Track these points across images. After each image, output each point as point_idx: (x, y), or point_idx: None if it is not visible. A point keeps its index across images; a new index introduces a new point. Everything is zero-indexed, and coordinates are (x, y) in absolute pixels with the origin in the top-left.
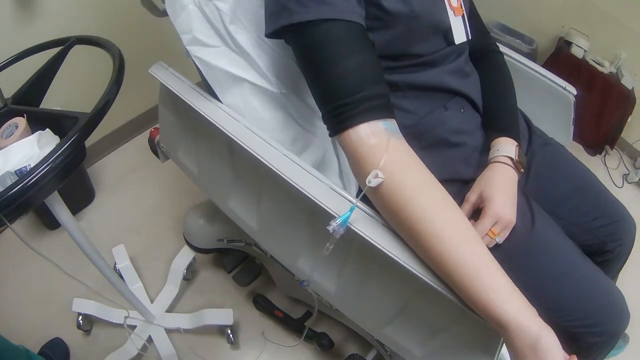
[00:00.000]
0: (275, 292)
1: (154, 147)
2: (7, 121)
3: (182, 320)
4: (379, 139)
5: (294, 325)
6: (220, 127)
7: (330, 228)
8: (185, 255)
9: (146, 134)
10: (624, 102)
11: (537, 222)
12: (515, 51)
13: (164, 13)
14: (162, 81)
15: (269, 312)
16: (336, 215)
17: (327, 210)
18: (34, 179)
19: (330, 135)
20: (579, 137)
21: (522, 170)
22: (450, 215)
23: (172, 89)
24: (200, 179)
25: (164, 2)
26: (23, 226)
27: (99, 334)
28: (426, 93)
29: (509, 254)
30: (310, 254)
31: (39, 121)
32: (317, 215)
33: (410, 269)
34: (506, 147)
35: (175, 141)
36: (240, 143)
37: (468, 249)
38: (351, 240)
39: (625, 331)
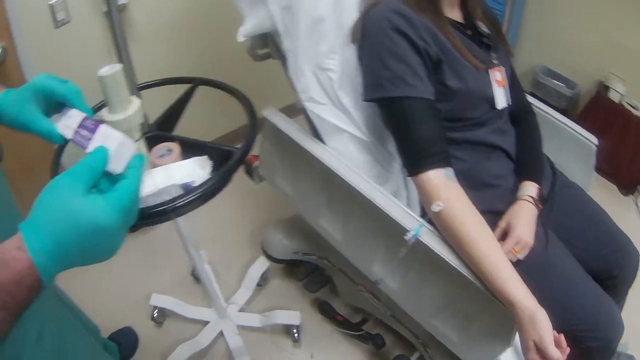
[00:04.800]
0: (337, 301)
1: (250, 171)
2: (153, 144)
3: (253, 319)
4: (440, 181)
5: (351, 328)
6: (326, 164)
7: (406, 237)
8: (261, 264)
9: None
10: None
11: (550, 246)
12: (557, 95)
13: (261, 58)
14: (275, 123)
15: (331, 317)
16: (409, 230)
17: (402, 226)
18: (201, 192)
19: (407, 176)
20: (613, 177)
21: (540, 206)
22: (485, 236)
23: (284, 131)
24: (295, 201)
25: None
26: None
27: (170, 326)
28: (475, 147)
29: (527, 268)
30: (383, 260)
31: (186, 148)
32: (392, 231)
33: (458, 268)
34: (529, 189)
35: (274, 168)
36: (341, 176)
37: (495, 256)
38: (416, 248)
39: (631, 352)
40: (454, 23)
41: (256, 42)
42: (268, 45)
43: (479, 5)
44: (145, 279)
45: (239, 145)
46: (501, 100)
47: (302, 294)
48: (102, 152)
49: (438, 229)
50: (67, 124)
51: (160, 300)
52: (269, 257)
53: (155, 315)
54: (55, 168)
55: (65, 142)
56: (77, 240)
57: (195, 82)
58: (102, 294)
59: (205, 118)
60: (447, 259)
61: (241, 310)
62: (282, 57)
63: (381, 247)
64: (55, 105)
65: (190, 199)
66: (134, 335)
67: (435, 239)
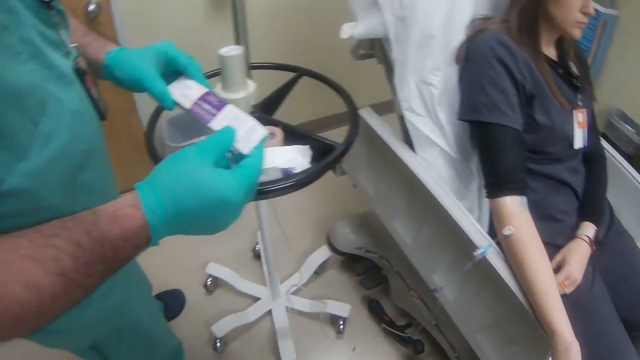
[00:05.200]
0: (386, 302)
1: None
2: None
3: (303, 304)
4: (515, 208)
5: (396, 329)
6: (416, 173)
7: (475, 253)
8: (323, 253)
9: None
10: None
11: (595, 288)
12: (627, 140)
13: (361, 57)
14: (370, 124)
15: (379, 316)
16: (479, 247)
17: (473, 242)
18: (301, 180)
19: (487, 197)
20: None
21: (594, 248)
22: (544, 265)
23: (379, 134)
24: (374, 200)
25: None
26: None
27: (220, 297)
28: (548, 180)
29: (572, 302)
30: (446, 270)
31: (287, 134)
32: (462, 245)
33: (514, 291)
34: (588, 230)
35: (359, 166)
36: (428, 187)
37: (548, 286)
38: (480, 265)
39: None
40: (548, 60)
41: (363, 43)
42: (374, 48)
43: (572, 45)
44: (206, 247)
45: (325, 135)
46: (579, 140)
47: (354, 288)
48: (231, 132)
49: (503, 251)
50: (185, 93)
51: (217, 269)
52: (333, 247)
53: (209, 283)
54: (151, 132)
55: (172, 108)
56: (197, 208)
57: (300, 72)
58: (160, 254)
59: (294, 102)
60: (506, 280)
61: (294, 293)
62: (386, 63)
63: (447, 258)
64: (170, 73)
65: (290, 183)
66: (182, 298)
67: (500, 260)
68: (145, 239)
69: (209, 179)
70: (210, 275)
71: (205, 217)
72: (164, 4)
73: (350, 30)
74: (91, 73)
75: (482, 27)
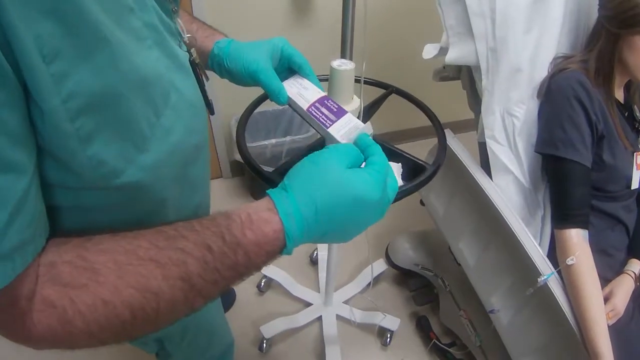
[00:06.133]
0: (434, 319)
1: None
2: None
3: (354, 313)
4: (579, 240)
5: (439, 347)
6: (492, 198)
7: (539, 279)
8: (379, 266)
9: None
10: None
11: (632, 322)
12: None
13: (441, 79)
14: (450, 147)
15: (425, 332)
16: (542, 274)
17: (537, 269)
18: (396, 198)
19: (554, 227)
20: None
21: (638, 284)
22: (597, 295)
23: (460, 157)
24: (442, 220)
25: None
26: (232, 189)
27: (271, 298)
28: (605, 217)
29: (613, 333)
30: (504, 293)
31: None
32: (525, 270)
33: (569, 319)
34: (635, 266)
35: (432, 185)
36: (502, 212)
37: (598, 314)
38: (538, 292)
39: None
40: (617, 102)
41: (450, 67)
42: (460, 73)
43: (638, 89)
44: None
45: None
46: (637, 181)
47: (404, 303)
48: (371, 145)
49: (562, 279)
50: (301, 93)
51: (273, 271)
52: (390, 261)
53: (262, 283)
54: (242, 130)
55: (285, 103)
56: (335, 208)
57: (390, 89)
58: None
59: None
60: (562, 307)
61: (345, 302)
62: (472, 89)
63: (507, 282)
64: (281, 70)
65: None
66: (233, 294)
67: (559, 287)
68: (279, 246)
69: (346, 177)
70: (265, 276)
71: (345, 218)
72: (245, 2)
73: (432, 52)
74: (201, 64)
75: (563, 66)
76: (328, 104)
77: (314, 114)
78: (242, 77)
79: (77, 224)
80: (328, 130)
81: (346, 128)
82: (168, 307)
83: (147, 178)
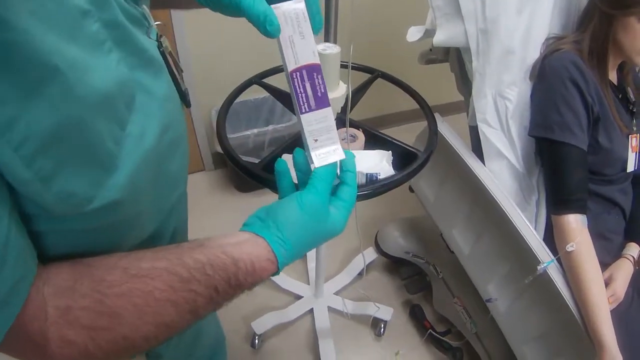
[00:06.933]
0: (427, 307)
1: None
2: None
3: (346, 304)
4: (578, 226)
5: (435, 336)
6: (484, 183)
7: (538, 267)
8: (369, 255)
9: None
10: None
11: (632, 307)
12: None
13: (426, 62)
14: (441, 132)
15: (419, 321)
16: (542, 261)
17: (536, 256)
18: (385, 186)
19: (550, 213)
20: None
21: (637, 267)
22: (598, 281)
23: (450, 143)
24: (433, 207)
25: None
26: (214, 182)
27: (260, 293)
28: (601, 200)
29: (614, 316)
30: (501, 281)
31: (368, 139)
32: (523, 258)
33: (570, 306)
34: (634, 250)
35: (422, 172)
36: (495, 198)
37: (600, 300)
38: (538, 279)
39: None
40: (610, 84)
41: (437, 50)
42: (448, 56)
43: (631, 70)
44: None
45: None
46: (632, 164)
47: (396, 292)
48: (348, 172)
49: (562, 266)
50: (293, 40)
51: None
52: (380, 250)
53: None
54: (222, 121)
55: (277, 35)
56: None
57: (376, 74)
58: None
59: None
60: (563, 294)
61: (336, 293)
62: (461, 72)
63: (504, 270)
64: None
65: (375, 190)
66: None
67: (559, 275)
68: (266, 278)
69: (329, 224)
70: None
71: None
72: None
73: (417, 35)
74: (173, 54)
75: (555, 47)
76: (316, 81)
77: (296, 84)
78: (225, 6)
79: (62, 243)
80: (301, 116)
81: (317, 125)
82: (175, 332)
83: (122, 194)
